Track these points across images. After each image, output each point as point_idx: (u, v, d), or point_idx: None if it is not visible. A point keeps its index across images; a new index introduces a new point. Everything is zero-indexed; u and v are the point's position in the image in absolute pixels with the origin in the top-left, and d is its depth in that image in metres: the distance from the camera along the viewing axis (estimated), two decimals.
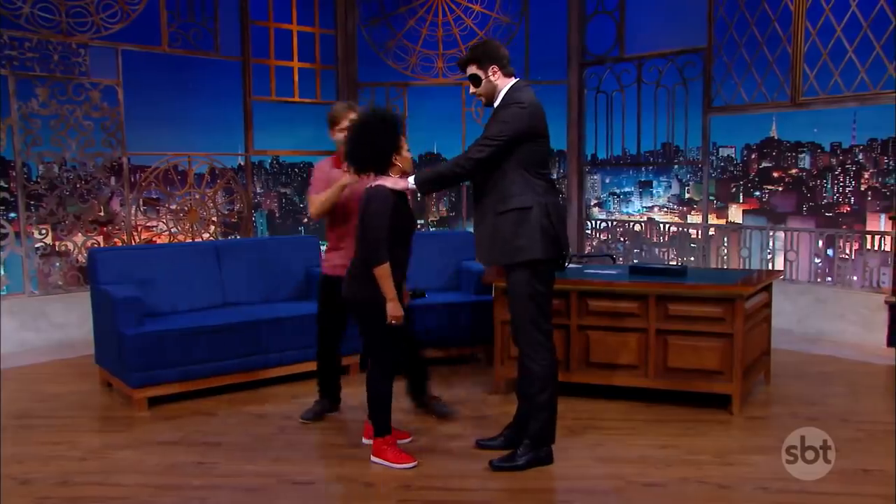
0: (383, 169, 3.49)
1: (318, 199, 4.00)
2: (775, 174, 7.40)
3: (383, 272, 3.38)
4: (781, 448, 3.69)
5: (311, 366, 4.91)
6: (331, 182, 3.98)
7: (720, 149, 7.74)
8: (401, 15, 7.85)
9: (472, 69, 3.45)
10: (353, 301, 3.54)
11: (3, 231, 5.90)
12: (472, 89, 3.50)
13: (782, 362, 5.24)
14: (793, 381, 4.94)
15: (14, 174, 6.00)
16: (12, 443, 3.91)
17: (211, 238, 7.07)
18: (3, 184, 6.04)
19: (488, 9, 7.79)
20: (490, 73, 3.41)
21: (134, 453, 3.76)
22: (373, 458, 3.59)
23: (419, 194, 3.67)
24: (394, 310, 3.42)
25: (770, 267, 6.70)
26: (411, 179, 3.42)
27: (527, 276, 3.38)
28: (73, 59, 6.17)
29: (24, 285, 6.07)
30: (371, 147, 3.44)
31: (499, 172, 3.37)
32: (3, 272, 6.01)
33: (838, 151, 7.26)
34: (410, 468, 3.51)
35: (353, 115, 3.80)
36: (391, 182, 3.43)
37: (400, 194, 3.47)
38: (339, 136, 3.87)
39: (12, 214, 6.05)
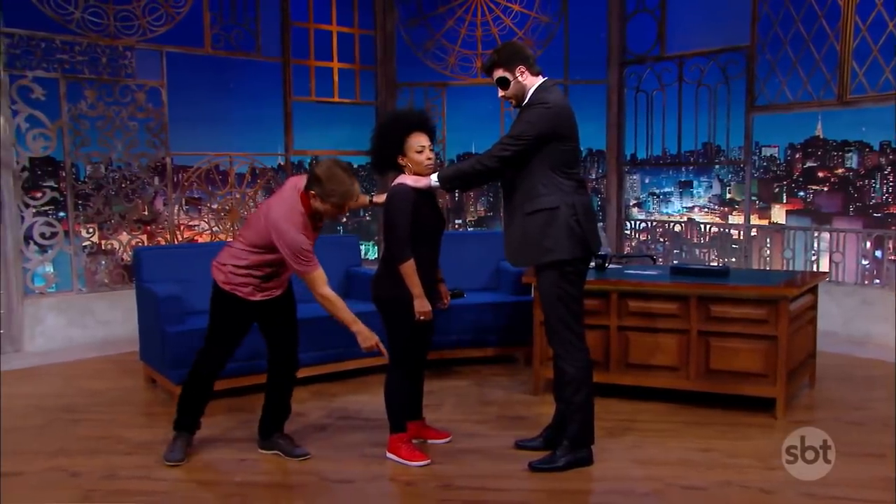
0: (385, 169, 3.57)
1: (335, 299, 3.40)
2: (820, 174, 7.24)
3: (408, 269, 3.40)
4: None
5: (350, 364, 5.00)
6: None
7: (763, 148, 7.59)
8: (439, 15, 7.86)
9: (499, 72, 3.41)
10: (379, 299, 3.56)
11: (53, 230, 6.06)
12: (500, 92, 3.46)
13: (828, 365, 5.13)
14: (838, 385, 4.83)
15: (63, 174, 6.16)
16: (61, 436, 4.02)
17: None
18: (53, 184, 6.20)
19: (527, 8, 7.75)
20: (518, 74, 3.37)
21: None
22: (388, 455, 3.63)
23: (455, 192, 3.64)
24: (421, 306, 3.43)
25: (815, 268, 6.57)
26: (434, 177, 3.43)
27: (554, 277, 3.36)
28: (120, 61, 6.31)
29: (73, 283, 6.23)
30: (372, 149, 3.54)
31: (526, 173, 3.35)
32: (52, 270, 6.17)
33: (888, 150, 7.07)
34: (423, 466, 3.54)
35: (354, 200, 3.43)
36: (412, 180, 3.45)
37: (424, 193, 3.48)
38: (332, 212, 3.40)
39: (62, 213, 6.21)
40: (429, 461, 3.57)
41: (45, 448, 3.83)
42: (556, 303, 3.38)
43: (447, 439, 3.85)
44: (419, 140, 3.46)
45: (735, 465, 3.55)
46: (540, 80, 3.40)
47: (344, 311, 3.42)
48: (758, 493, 3.26)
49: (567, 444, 3.50)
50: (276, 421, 3.81)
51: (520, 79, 3.38)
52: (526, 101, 3.39)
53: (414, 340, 3.57)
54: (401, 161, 3.49)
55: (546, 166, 3.32)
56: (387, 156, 3.51)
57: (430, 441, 3.83)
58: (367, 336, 3.42)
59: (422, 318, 3.46)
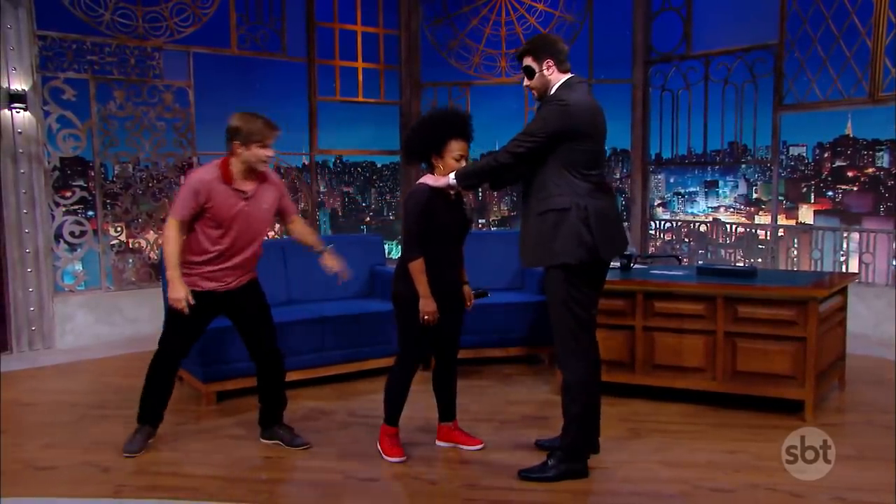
0: (414, 161, 3.58)
1: (171, 241, 3.51)
2: (850, 173, 7.13)
3: (416, 268, 3.41)
4: (859, 457, 3.60)
5: (375, 363, 5.03)
6: (211, 198, 3.50)
7: (790, 147, 7.50)
8: (464, 14, 7.87)
9: (527, 61, 3.36)
10: (392, 296, 3.59)
11: (82, 229, 6.14)
12: (525, 81, 3.42)
13: (858, 367, 5.06)
14: (869, 388, 4.76)
15: (92, 174, 6.25)
16: (92, 432, 4.09)
17: (275, 236, 7.21)
18: (82, 183, 6.29)
19: (552, 7, 7.73)
20: (544, 67, 3.31)
21: (204, 446, 3.87)
22: (378, 444, 3.70)
23: (478, 191, 3.60)
24: (425, 306, 3.42)
25: (844, 269, 6.48)
26: (452, 175, 3.41)
27: (560, 281, 3.27)
28: (148, 62, 6.40)
29: (101, 281, 6.31)
30: (410, 138, 3.55)
31: (540, 172, 3.28)
32: (81, 268, 6.26)
33: None
34: (397, 462, 3.59)
35: (277, 133, 3.58)
36: (433, 180, 3.46)
37: (444, 193, 3.47)
38: (260, 152, 3.53)
39: (90, 213, 6.30)
40: (403, 459, 3.60)
41: (77, 443, 3.90)
42: (560, 307, 3.30)
43: (479, 446, 3.78)
44: (460, 147, 3.47)
45: (763, 467, 3.50)
46: (566, 77, 3.33)
47: (169, 253, 3.53)
48: (787, 496, 3.22)
49: (561, 454, 3.41)
50: (275, 413, 3.93)
51: (545, 72, 3.32)
52: (547, 96, 3.36)
53: (423, 339, 3.55)
54: (434, 160, 3.49)
55: (560, 166, 3.23)
56: (423, 151, 3.50)
57: (462, 447, 3.79)
58: (174, 288, 3.51)
59: (426, 318, 3.44)
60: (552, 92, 3.32)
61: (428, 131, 3.49)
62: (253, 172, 3.59)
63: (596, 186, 3.28)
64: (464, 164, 3.48)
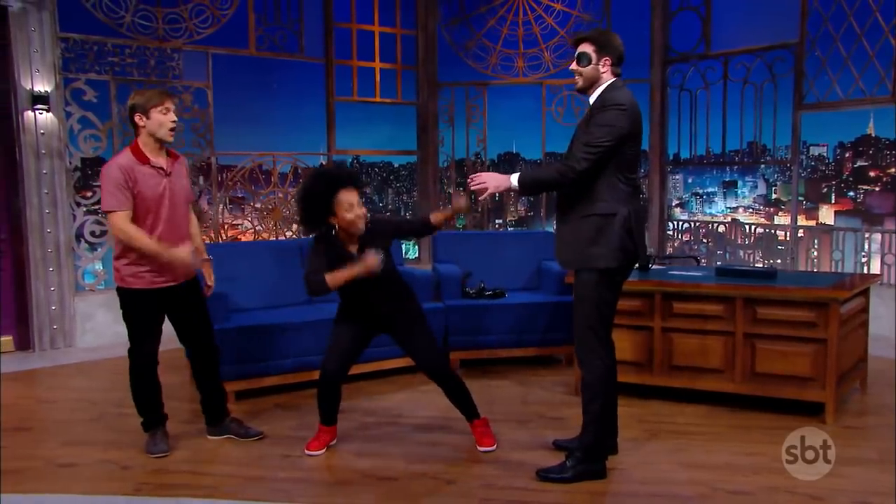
0: (318, 227, 3.55)
1: (133, 233, 3.43)
2: (872, 173, 7.03)
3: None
4: (880, 460, 3.56)
5: (391, 363, 5.03)
6: (137, 181, 3.45)
7: (811, 147, 7.42)
8: (481, 15, 7.86)
9: (586, 48, 3.31)
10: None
11: (102, 228, 6.20)
12: (573, 65, 3.35)
13: (880, 370, 5.01)
14: (891, 391, 4.70)
15: None
16: (112, 430, 4.13)
17: (293, 236, 7.25)
18: None
19: (570, 7, 7.71)
20: (601, 63, 3.29)
21: (222, 445, 3.90)
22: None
23: (498, 193, 3.52)
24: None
25: (866, 271, 6.41)
26: (514, 178, 3.32)
27: (594, 282, 3.28)
28: (167, 63, 6.46)
29: None
30: (300, 211, 3.55)
31: (590, 175, 3.25)
32: (101, 267, 6.32)
33: None
34: (309, 454, 3.72)
35: (174, 100, 3.59)
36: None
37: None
38: (161, 118, 3.50)
39: None
40: (317, 453, 3.72)
41: (97, 441, 3.94)
42: (592, 308, 3.30)
43: (487, 448, 3.75)
44: (349, 196, 3.45)
45: (782, 470, 3.46)
46: (613, 79, 3.31)
47: (143, 242, 3.45)
48: (807, 499, 3.19)
49: (580, 454, 3.40)
50: (219, 406, 3.96)
51: (600, 68, 3.29)
52: (595, 98, 3.30)
53: None
54: (332, 221, 3.50)
55: (610, 170, 3.22)
56: (319, 217, 3.50)
57: (479, 447, 3.78)
58: (175, 255, 3.49)
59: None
60: (599, 92, 3.30)
61: (314, 198, 3.46)
62: (163, 149, 3.58)
63: (634, 190, 3.32)
64: (357, 211, 3.45)
